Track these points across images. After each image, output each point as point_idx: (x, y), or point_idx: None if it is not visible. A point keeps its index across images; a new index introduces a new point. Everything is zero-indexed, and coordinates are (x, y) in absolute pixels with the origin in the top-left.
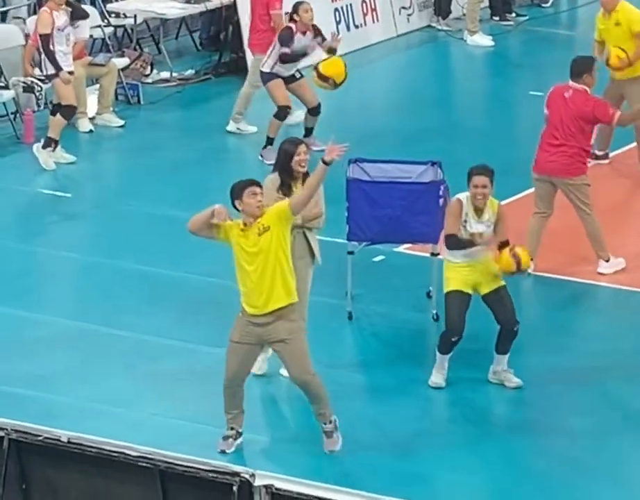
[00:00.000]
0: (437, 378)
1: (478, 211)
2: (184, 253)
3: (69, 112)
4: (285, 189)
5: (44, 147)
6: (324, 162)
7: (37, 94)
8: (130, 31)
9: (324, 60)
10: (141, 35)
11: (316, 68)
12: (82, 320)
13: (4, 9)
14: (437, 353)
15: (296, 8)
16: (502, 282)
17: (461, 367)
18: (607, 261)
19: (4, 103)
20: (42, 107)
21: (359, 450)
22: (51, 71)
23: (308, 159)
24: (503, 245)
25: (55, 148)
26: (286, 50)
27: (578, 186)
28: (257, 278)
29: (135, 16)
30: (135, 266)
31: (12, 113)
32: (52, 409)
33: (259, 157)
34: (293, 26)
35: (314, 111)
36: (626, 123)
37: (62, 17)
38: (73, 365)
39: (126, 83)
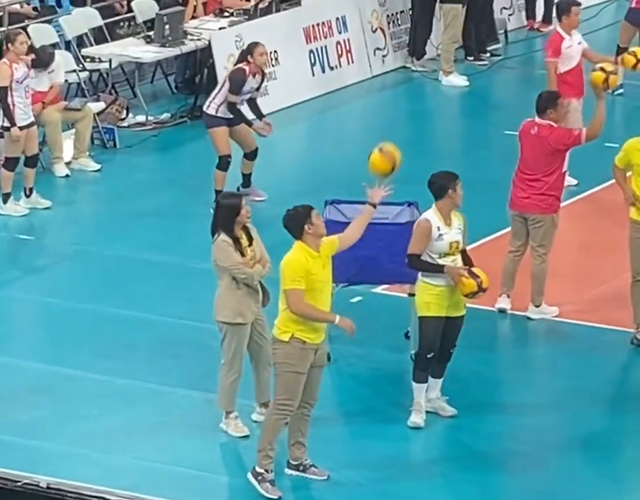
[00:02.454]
0: (416, 418)
1: (446, 219)
2: (160, 296)
3: (13, 163)
4: (238, 246)
5: (4, 202)
6: (371, 205)
7: None
8: (105, 75)
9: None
10: (117, 79)
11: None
12: (59, 365)
13: None
14: (414, 386)
15: (250, 50)
16: (464, 312)
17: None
18: (538, 307)
19: None
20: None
21: (338, 490)
22: (6, 124)
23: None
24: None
25: (7, 200)
26: (235, 99)
27: (547, 225)
28: (326, 308)
29: (110, 60)
30: (111, 310)
31: None
32: (31, 455)
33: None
34: (246, 67)
35: (251, 155)
36: (596, 132)
37: (21, 69)
38: (53, 411)
39: (102, 127)
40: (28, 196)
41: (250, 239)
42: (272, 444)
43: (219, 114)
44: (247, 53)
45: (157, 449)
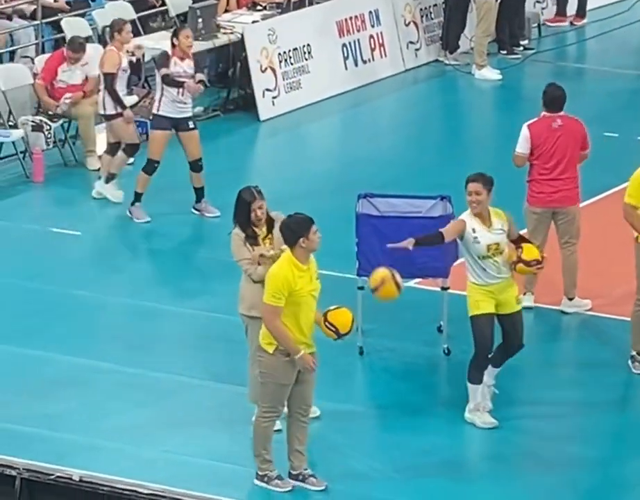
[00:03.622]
0: (487, 417)
1: (486, 221)
2: (193, 289)
3: (133, 149)
4: (252, 240)
5: (107, 182)
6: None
7: (46, 132)
8: None
9: (333, 309)
10: (150, 73)
11: (324, 315)
12: (91, 358)
13: (12, 48)
14: (470, 387)
15: (176, 33)
16: (519, 307)
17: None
18: (571, 300)
19: (13, 142)
20: (51, 146)
21: (370, 484)
22: (111, 111)
23: (265, 207)
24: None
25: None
26: (165, 71)
27: (577, 216)
28: (308, 320)
29: (143, 54)
30: (143, 302)
31: (21, 152)
32: (64, 448)
33: (128, 214)
34: (170, 50)
35: (194, 165)
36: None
37: (125, 59)
38: (84, 404)
39: (135, 121)
40: (107, 182)
41: (270, 228)
42: (267, 448)
43: (160, 112)
44: (173, 35)
45: (188, 442)
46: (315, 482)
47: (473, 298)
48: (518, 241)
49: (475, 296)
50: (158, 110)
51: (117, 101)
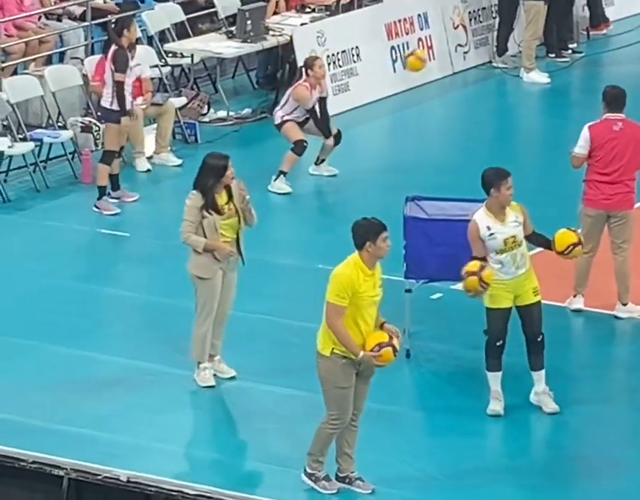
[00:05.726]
0: (495, 405)
1: (500, 216)
2: (240, 292)
3: (300, 147)
4: (212, 207)
5: (275, 179)
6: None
7: (95, 133)
8: (187, 70)
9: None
10: (198, 75)
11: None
12: (140, 359)
13: (62, 49)
14: (488, 375)
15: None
16: (536, 299)
17: (519, 404)
18: (625, 305)
19: (62, 143)
20: (100, 147)
21: (417, 485)
22: (278, 121)
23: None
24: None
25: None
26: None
27: (631, 221)
28: (368, 325)
29: (192, 55)
30: (191, 305)
31: (70, 153)
32: (112, 448)
33: (95, 210)
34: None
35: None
36: None
37: (315, 95)
38: (133, 404)
39: (183, 122)
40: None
41: (229, 196)
42: (323, 451)
43: (113, 107)
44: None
45: (236, 444)
46: (362, 485)
47: (489, 291)
48: (532, 236)
49: (492, 290)
50: (112, 105)
51: (320, 125)
